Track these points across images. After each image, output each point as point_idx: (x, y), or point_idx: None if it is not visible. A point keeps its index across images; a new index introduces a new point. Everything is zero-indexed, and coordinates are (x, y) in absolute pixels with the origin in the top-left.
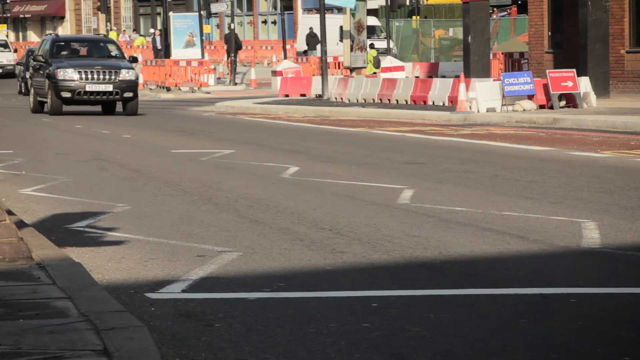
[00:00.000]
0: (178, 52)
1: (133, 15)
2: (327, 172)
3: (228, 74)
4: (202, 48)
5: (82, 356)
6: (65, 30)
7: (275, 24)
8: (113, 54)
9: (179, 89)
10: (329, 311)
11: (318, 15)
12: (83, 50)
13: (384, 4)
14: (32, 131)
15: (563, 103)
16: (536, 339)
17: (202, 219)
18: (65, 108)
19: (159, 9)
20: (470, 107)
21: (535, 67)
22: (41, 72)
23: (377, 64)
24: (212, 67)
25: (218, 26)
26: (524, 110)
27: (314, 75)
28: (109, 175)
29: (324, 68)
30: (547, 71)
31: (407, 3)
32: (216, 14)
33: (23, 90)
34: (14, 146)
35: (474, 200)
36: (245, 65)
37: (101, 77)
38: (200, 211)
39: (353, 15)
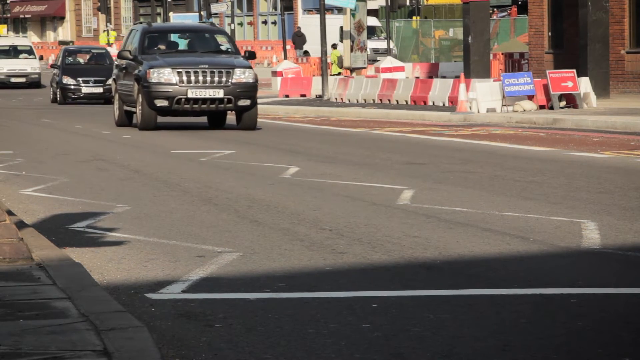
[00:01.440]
0: None
1: (133, 15)
2: (327, 173)
3: None
4: None
5: (82, 356)
6: (65, 30)
7: (275, 25)
8: (223, 47)
9: None
10: (329, 311)
11: (318, 16)
12: (184, 44)
13: (384, 4)
14: (32, 131)
15: (563, 103)
16: (536, 339)
17: (202, 219)
18: (161, 119)
19: (159, 9)
20: (470, 108)
21: (535, 68)
22: (129, 73)
23: (341, 63)
24: None
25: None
26: (524, 110)
27: (314, 75)
28: (109, 175)
29: (324, 68)
30: (547, 71)
31: (407, 3)
32: (216, 14)
33: (58, 99)
34: (14, 146)
35: (474, 200)
36: None
37: (208, 79)
38: (200, 211)
39: (353, 15)
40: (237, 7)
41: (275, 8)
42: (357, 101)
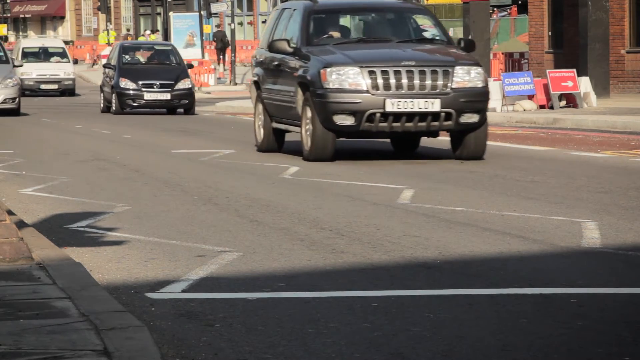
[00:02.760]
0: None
1: (133, 15)
2: (327, 172)
3: (228, 70)
4: (202, 48)
5: (82, 356)
6: (65, 30)
7: None
8: (427, 35)
9: None
10: (329, 311)
11: None
12: (360, 29)
13: None
14: (32, 131)
15: (563, 103)
16: (536, 339)
17: (202, 219)
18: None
19: (159, 9)
20: None
21: (536, 67)
22: (284, 73)
23: None
24: (212, 67)
25: (218, 26)
26: (524, 110)
27: None
28: (109, 175)
29: None
30: (547, 71)
31: None
32: (216, 14)
33: (114, 106)
34: (14, 146)
35: (474, 200)
36: (245, 65)
37: (416, 83)
38: (200, 211)
39: None
40: (237, 7)
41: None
42: None
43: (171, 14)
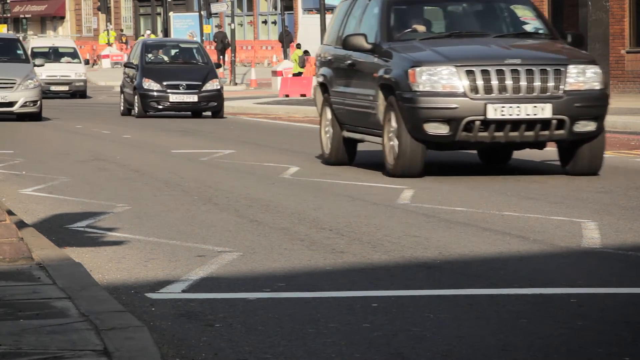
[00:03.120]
0: None
1: (133, 15)
2: (327, 172)
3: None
4: None
5: (82, 356)
6: (65, 31)
7: (275, 24)
8: (529, 28)
9: None
10: (329, 311)
11: (318, 15)
12: (446, 23)
13: None
14: (32, 131)
15: None
16: (536, 339)
17: (202, 219)
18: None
19: (159, 9)
20: None
21: None
22: (359, 73)
23: (302, 63)
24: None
25: (218, 26)
26: None
27: (314, 75)
28: (109, 175)
29: None
30: None
31: None
32: (216, 14)
33: (136, 109)
34: (14, 146)
35: (474, 200)
36: (245, 66)
37: (522, 85)
38: (200, 211)
39: None
40: (237, 7)
41: (275, 8)
42: None
43: (171, 14)
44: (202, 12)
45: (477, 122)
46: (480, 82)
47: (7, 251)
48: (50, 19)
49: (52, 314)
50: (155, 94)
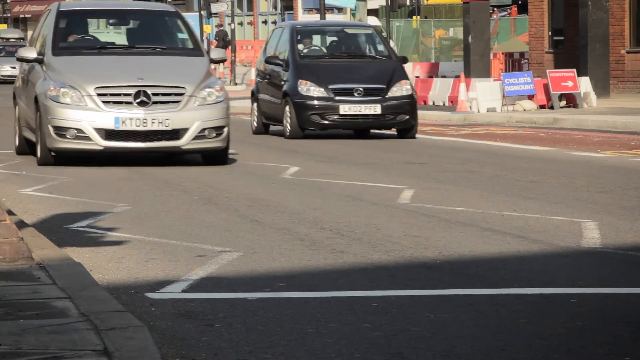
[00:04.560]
0: None
1: None
2: (327, 172)
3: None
4: None
5: (82, 356)
6: None
7: (275, 24)
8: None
9: None
10: (329, 311)
11: (318, 16)
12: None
13: (384, 4)
14: None
15: (563, 103)
16: (536, 339)
17: (202, 219)
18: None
19: None
20: (470, 107)
21: (536, 67)
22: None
23: None
24: (213, 67)
25: (220, 26)
26: (524, 110)
27: None
28: (109, 175)
29: None
30: (548, 71)
31: (408, 3)
32: (216, 13)
33: (290, 128)
34: (14, 146)
35: (474, 200)
36: (245, 66)
37: None
38: (200, 211)
39: (353, 15)
40: (237, 7)
41: (275, 8)
42: None
43: None
44: (202, 12)
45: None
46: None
47: (7, 251)
48: None
49: (52, 314)
50: (316, 103)
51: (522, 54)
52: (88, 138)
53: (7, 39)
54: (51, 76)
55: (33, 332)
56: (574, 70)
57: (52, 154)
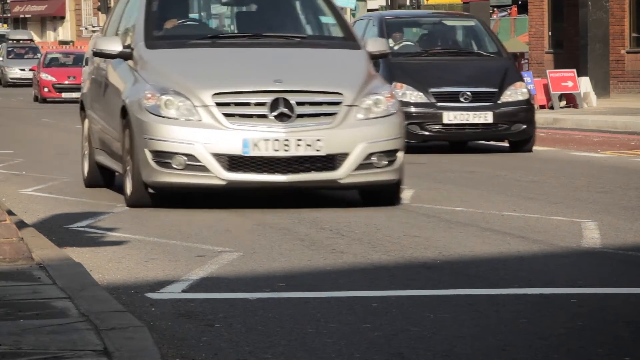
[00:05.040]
0: None
1: None
2: None
3: None
4: None
5: (82, 356)
6: (65, 31)
7: None
8: None
9: None
10: (329, 311)
11: None
12: None
13: (384, 4)
14: (32, 131)
15: (563, 103)
16: (536, 339)
17: (202, 219)
18: None
19: None
20: None
21: (536, 67)
22: None
23: None
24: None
25: None
26: None
27: None
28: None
29: None
30: (547, 71)
31: (407, 3)
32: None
33: None
34: (14, 146)
35: (474, 200)
36: None
37: None
38: (200, 211)
39: (353, 15)
40: None
41: None
42: None
43: None
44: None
45: None
46: None
47: (7, 251)
48: (50, 19)
49: (52, 314)
50: (415, 110)
51: (522, 54)
52: (204, 168)
53: (17, 40)
54: (146, 77)
55: (33, 332)
56: (574, 70)
57: (150, 190)
